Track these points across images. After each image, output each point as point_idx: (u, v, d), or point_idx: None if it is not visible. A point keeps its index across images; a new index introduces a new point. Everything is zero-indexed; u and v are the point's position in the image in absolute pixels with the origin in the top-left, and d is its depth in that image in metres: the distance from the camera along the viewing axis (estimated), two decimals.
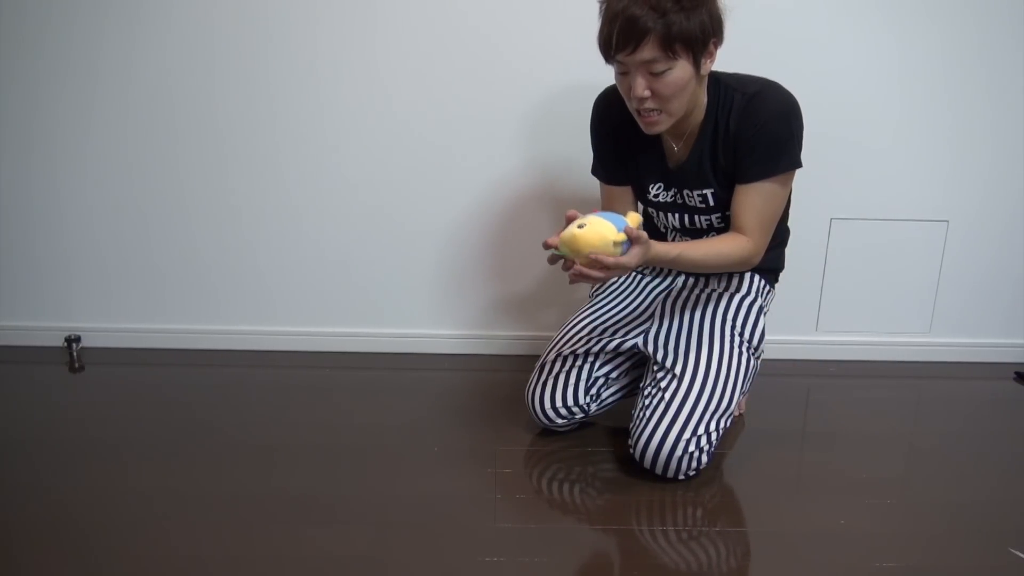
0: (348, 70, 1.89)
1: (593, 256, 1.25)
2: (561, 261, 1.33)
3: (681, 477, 1.47)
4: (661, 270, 1.70)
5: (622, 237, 1.27)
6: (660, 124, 1.40)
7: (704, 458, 1.46)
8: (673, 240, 1.61)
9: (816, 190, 1.91)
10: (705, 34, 1.31)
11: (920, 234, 1.98)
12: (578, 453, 1.59)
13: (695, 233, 1.57)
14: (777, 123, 1.39)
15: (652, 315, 1.62)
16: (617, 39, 1.30)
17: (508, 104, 1.90)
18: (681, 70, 1.33)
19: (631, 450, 1.49)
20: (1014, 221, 1.97)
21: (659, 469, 1.46)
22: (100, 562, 1.24)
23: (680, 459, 1.43)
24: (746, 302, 1.57)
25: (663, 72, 1.32)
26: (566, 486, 1.49)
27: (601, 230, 1.26)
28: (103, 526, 1.33)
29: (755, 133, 1.39)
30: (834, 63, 1.85)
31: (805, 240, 1.95)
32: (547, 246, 1.31)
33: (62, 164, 1.97)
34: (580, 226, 1.27)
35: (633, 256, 1.29)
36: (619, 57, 1.33)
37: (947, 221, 1.97)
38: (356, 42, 1.87)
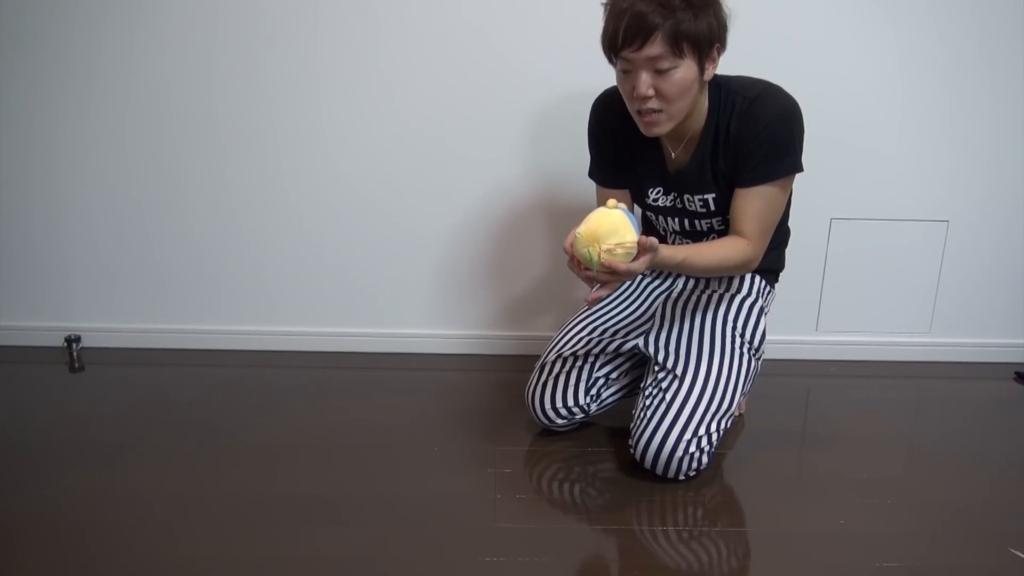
0: (348, 70, 1.89)
1: (608, 262, 1.25)
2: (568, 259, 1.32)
3: (681, 478, 1.47)
4: (661, 271, 1.70)
5: (635, 248, 1.26)
6: (660, 126, 1.39)
7: (704, 459, 1.46)
8: (673, 242, 1.61)
9: (816, 190, 1.91)
10: (712, 36, 1.31)
11: (920, 234, 1.98)
12: (578, 453, 1.59)
13: (695, 236, 1.57)
14: (778, 127, 1.38)
15: (652, 316, 1.62)
16: (624, 35, 1.29)
17: (510, 107, 1.90)
18: (686, 70, 1.32)
19: (631, 450, 1.49)
20: (1014, 221, 1.97)
21: (659, 469, 1.46)
22: (99, 562, 1.24)
23: (680, 460, 1.43)
24: (747, 303, 1.57)
25: (668, 70, 1.31)
26: (566, 486, 1.49)
27: (621, 227, 1.26)
28: (103, 526, 1.33)
29: (756, 137, 1.38)
30: (834, 63, 1.85)
31: (805, 240, 1.95)
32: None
33: (62, 164, 1.97)
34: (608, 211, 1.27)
35: (642, 262, 1.29)
36: (624, 54, 1.32)
37: (947, 221, 1.97)
38: (357, 41, 1.87)
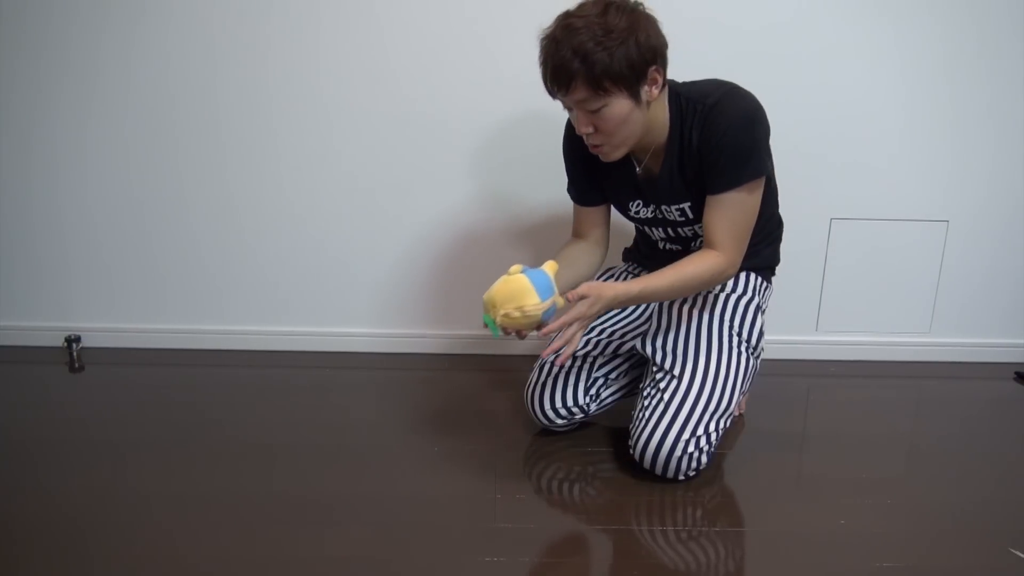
0: (349, 70, 1.89)
1: (506, 326, 1.33)
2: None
3: (681, 477, 1.47)
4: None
5: (537, 311, 1.30)
6: (610, 155, 1.41)
7: (704, 459, 1.46)
8: (664, 249, 1.61)
9: (816, 190, 1.92)
10: (635, 67, 1.30)
11: (920, 234, 1.98)
12: (578, 453, 1.59)
13: (683, 243, 1.58)
14: (738, 132, 1.37)
15: (650, 317, 1.62)
16: (550, 83, 1.34)
17: (514, 109, 1.90)
18: (617, 105, 1.33)
19: (631, 451, 1.49)
20: (1014, 221, 1.97)
21: (659, 470, 1.46)
22: (99, 562, 1.24)
23: (680, 460, 1.43)
24: (743, 302, 1.57)
25: (599, 109, 1.33)
26: (566, 486, 1.49)
27: (518, 296, 1.31)
28: (103, 526, 1.33)
29: (717, 144, 1.37)
30: (835, 63, 1.85)
31: (805, 240, 1.95)
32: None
33: (62, 164, 1.97)
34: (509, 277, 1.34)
35: (584, 305, 1.34)
36: (557, 98, 1.36)
37: (947, 221, 1.97)
38: (357, 42, 1.87)
